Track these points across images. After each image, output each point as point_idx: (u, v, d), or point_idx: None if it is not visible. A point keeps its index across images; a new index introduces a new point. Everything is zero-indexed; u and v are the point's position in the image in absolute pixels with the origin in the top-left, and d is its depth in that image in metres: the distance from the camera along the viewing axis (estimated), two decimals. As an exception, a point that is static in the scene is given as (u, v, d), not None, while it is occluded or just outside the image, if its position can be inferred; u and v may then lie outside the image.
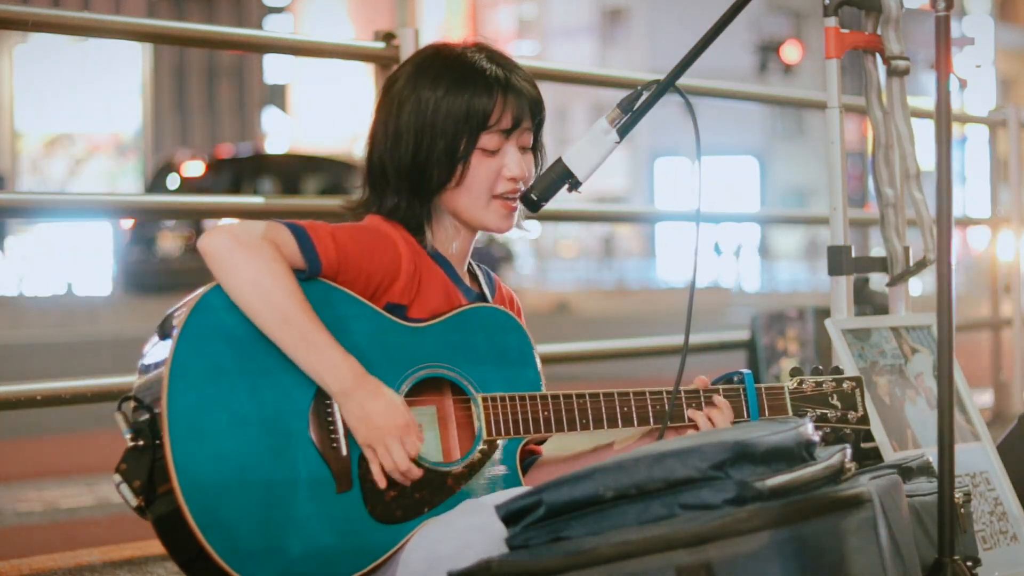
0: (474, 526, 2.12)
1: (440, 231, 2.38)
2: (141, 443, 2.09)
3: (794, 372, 2.46)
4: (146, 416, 2.10)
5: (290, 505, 2.12)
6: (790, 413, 2.43)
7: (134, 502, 2.11)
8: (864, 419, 2.47)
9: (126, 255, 20.64)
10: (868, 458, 2.76)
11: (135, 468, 2.09)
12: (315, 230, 2.22)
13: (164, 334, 2.15)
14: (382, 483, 2.18)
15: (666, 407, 2.36)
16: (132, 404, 2.13)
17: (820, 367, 2.48)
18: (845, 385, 2.47)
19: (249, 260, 2.14)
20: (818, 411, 2.44)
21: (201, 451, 2.08)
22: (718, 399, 2.38)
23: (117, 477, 2.10)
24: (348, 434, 2.18)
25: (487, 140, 2.33)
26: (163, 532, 2.13)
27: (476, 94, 2.32)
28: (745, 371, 2.43)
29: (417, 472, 2.19)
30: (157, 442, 2.08)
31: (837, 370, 2.50)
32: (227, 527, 2.08)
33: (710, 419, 2.36)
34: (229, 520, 2.08)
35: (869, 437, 2.78)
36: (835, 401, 2.46)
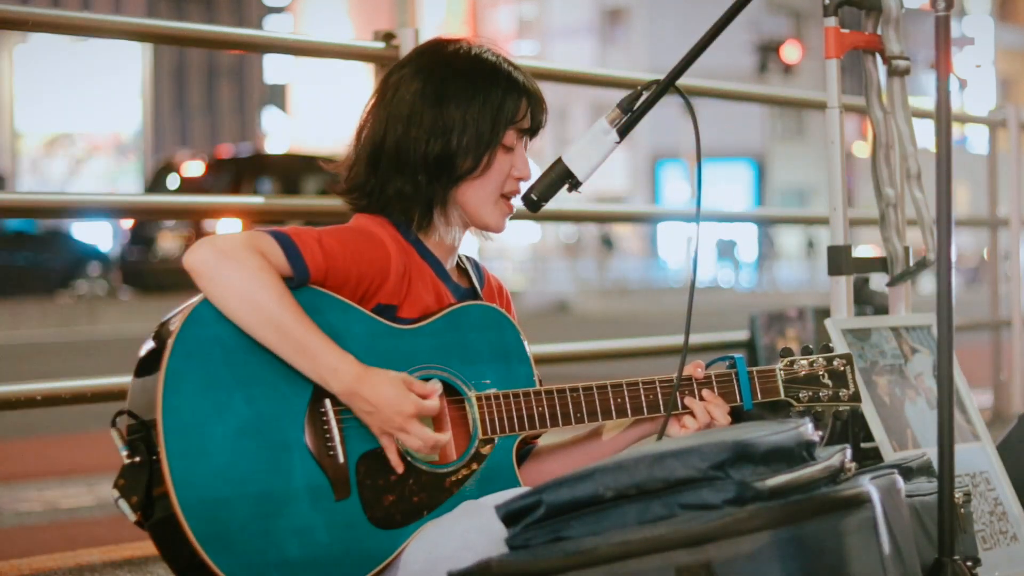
0: (474, 527, 2.12)
1: (444, 222, 2.37)
2: (137, 459, 2.09)
3: (784, 353, 2.46)
4: (141, 432, 2.09)
5: (289, 515, 2.12)
6: (782, 395, 2.43)
7: (133, 517, 2.11)
8: (856, 396, 2.47)
9: (126, 255, 20.62)
10: (868, 458, 2.76)
11: (132, 484, 2.09)
12: (300, 236, 2.20)
13: (158, 344, 2.14)
14: (400, 468, 2.18)
15: (659, 397, 2.36)
16: (127, 419, 2.13)
17: (810, 346, 2.48)
18: (835, 363, 2.47)
19: (236, 272, 2.12)
20: (810, 391, 2.44)
21: (197, 465, 2.08)
22: (709, 394, 2.38)
23: (115, 493, 2.10)
24: (344, 441, 2.17)
25: (509, 136, 2.35)
26: (163, 546, 2.13)
27: (508, 90, 2.34)
28: (737, 355, 2.43)
29: (445, 438, 2.20)
30: (153, 457, 2.08)
31: (827, 348, 2.50)
32: (226, 540, 2.07)
33: (708, 412, 2.37)
34: (228, 533, 2.08)
35: (869, 437, 2.78)
36: (826, 380, 2.46)
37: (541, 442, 2.49)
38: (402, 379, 2.18)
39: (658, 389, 2.37)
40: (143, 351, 2.18)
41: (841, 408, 2.47)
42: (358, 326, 2.23)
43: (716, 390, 2.39)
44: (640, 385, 2.36)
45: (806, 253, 36.21)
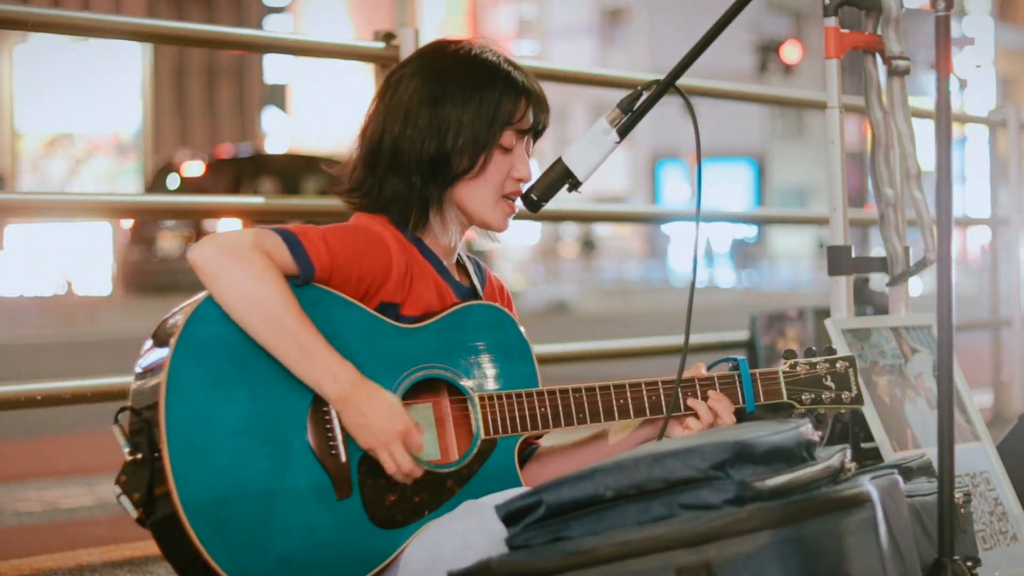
0: (474, 527, 2.12)
1: (441, 222, 2.37)
2: (139, 456, 2.09)
3: (787, 355, 2.45)
4: (143, 429, 2.09)
5: (291, 514, 2.12)
6: (785, 397, 2.42)
7: (135, 514, 2.11)
8: (858, 398, 2.47)
9: (126, 255, 20.63)
10: (868, 458, 2.76)
11: (134, 481, 2.09)
12: (306, 234, 2.20)
13: (160, 342, 2.14)
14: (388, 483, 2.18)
15: (662, 398, 2.36)
16: (129, 416, 2.13)
17: (814, 348, 2.47)
18: (839, 365, 2.47)
19: (240, 271, 2.12)
20: (812, 393, 2.44)
21: (200, 464, 2.08)
22: (713, 394, 2.38)
23: (117, 489, 2.10)
24: (347, 440, 2.17)
25: (507, 137, 2.34)
26: (164, 544, 2.13)
27: (505, 90, 2.34)
28: (739, 357, 2.42)
29: (419, 471, 2.19)
30: (156, 455, 2.08)
31: (830, 350, 2.50)
32: (228, 539, 2.07)
33: (712, 410, 2.37)
34: (230, 532, 2.08)
35: (869, 437, 2.78)
36: (829, 382, 2.45)
37: (545, 443, 2.49)
38: (399, 402, 2.18)
39: (660, 390, 2.37)
40: (146, 348, 2.18)
41: (843, 411, 2.47)
42: (361, 325, 2.23)
43: (719, 390, 2.39)
44: (643, 386, 2.36)
45: (816, 253, 36.17)
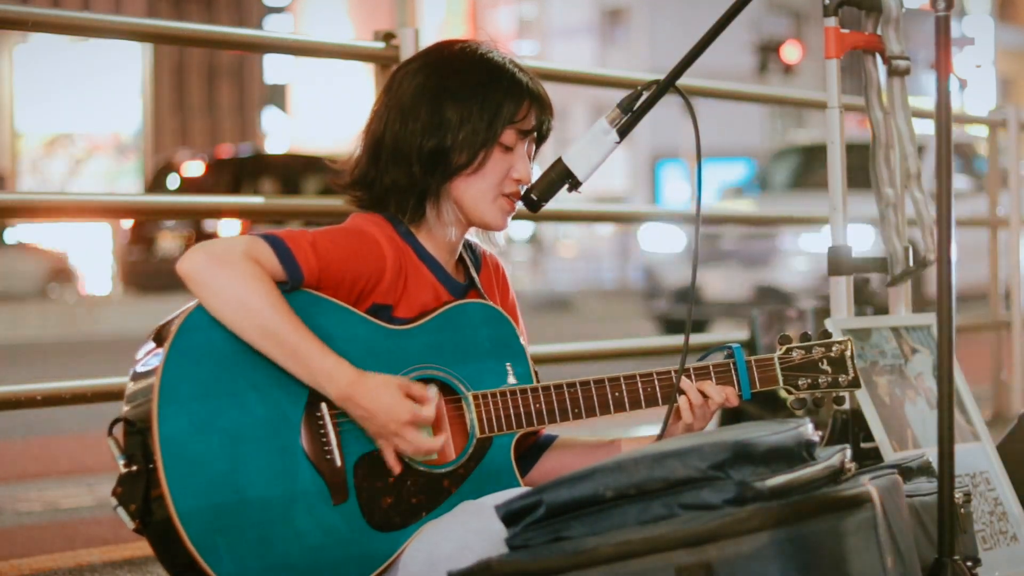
0: (473, 527, 2.12)
1: (437, 216, 2.37)
2: (135, 468, 2.09)
3: (783, 340, 2.44)
4: (137, 441, 2.09)
5: (288, 520, 2.12)
6: (781, 384, 2.41)
7: (132, 525, 2.11)
8: (855, 381, 2.46)
9: (126, 255, 20.63)
10: (868, 458, 2.76)
11: (130, 492, 2.09)
12: (294, 240, 2.20)
13: (153, 351, 2.14)
14: (397, 469, 2.18)
15: (657, 389, 2.36)
16: (123, 428, 2.12)
17: (808, 332, 2.47)
18: (834, 349, 2.45)
19: (230, 279, 2.12)
20: (808, 378, 2.43)
21: (195, 474, 2.08)
22: (708, 386, 2.38)
23: (114, 500, 2.11)
24: (341, 445, 2.17)
25: (508, 135, 2.34)
26: (163, 554, 2.13)
27: (509, 90, 2.34)
28: (734, 344, 2.42)
29: (439, 444, 2.19)
30: (151, 466, 2.08)
31: (826, 334, 2.49)
32: (224, 546, 2.08)
33: (702, 392, 2.37)
34: (226, 539, 2.08)
35: (869, 437, 2.78)
36: (825, 366, 2.44)
37: (562, 434, 2.50)
38: (398, 384, 2.18)
39: (656, 381, 2.37)
40: (138, 357, 2.18)
41: (841, 393, 2.46)
42: (353, 328, 2.22)
43: (715, 380, 2.39)
44: (638, 378, 2.36)
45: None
